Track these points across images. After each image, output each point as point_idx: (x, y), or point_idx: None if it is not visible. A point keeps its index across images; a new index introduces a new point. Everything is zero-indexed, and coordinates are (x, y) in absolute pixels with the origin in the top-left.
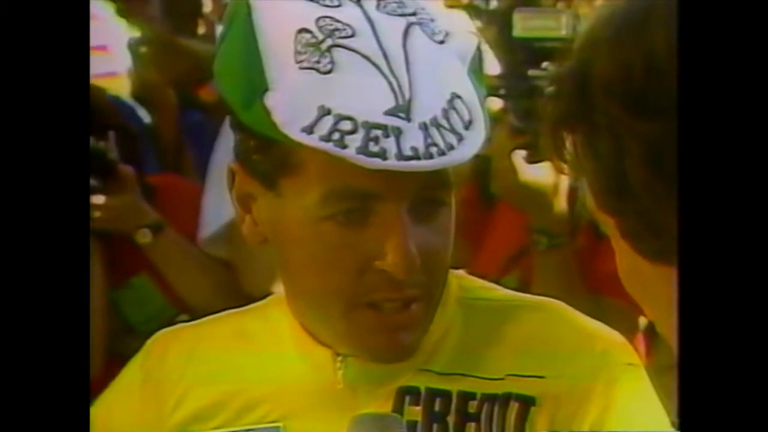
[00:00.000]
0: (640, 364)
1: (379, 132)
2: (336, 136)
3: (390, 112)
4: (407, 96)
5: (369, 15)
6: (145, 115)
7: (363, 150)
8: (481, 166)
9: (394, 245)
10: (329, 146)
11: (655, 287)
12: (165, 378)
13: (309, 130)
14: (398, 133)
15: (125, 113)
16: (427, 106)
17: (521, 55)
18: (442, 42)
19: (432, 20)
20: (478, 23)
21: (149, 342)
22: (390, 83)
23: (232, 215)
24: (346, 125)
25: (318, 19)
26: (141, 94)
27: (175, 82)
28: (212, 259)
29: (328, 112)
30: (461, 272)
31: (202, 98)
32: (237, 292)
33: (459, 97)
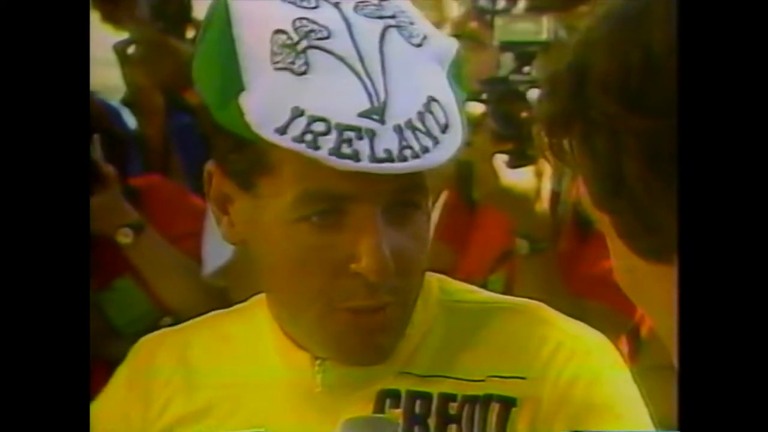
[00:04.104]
0: (623, 365)
1: (352, 134)
2: (309, 137)
3: (364, 114)
4: (382, 98)
5: (346, 17)
6: (131, 119)
7: (335, 152)
8: (463, 171)
9: (368, 248)
10: (302, 147)
11: (650, 285)
12: (152, 383)
13: (282, 130)
14: (372, 135)
15: (111, 116)
16: (403, 108)
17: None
18: (419, 45)
19: (411, 23)
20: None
21: (135, 347)
22: (365, 85)
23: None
24: (320, 126)
25: (294, 20)
26: (128, 97)
27: (163, 84)
28: (194, 262)
29: (302, 114)
30: (442, 276)
31: (189, 101)
32: (218, 294)
33: (436, 100)
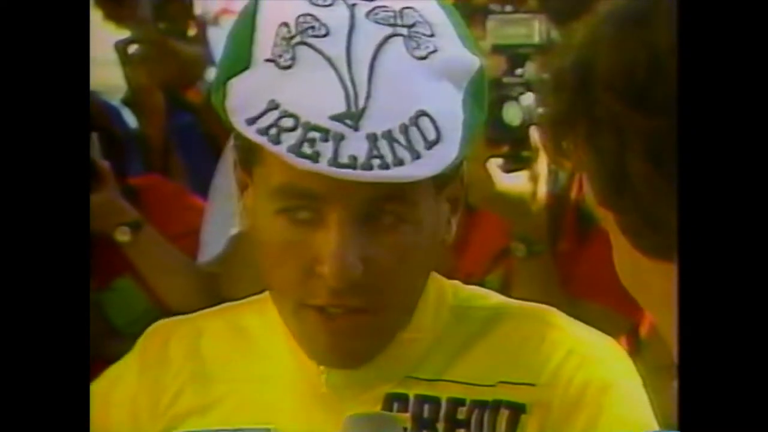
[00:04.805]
0: (634, 371)
1: (317, 134)
2: (273, 131)
3: (336, 118)
4: (361, 105)
5: (354, 19)
6: (131, 118)
7: (295, 149)
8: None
9: (331, 252)
10: (263, 140)
11: (653, 283)
12: (164, 371)
13: (252, 121)
14: (339, 139)
15: (111, 115)
16: (383, 118)
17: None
18: (423, 58)
19: (431, 35)
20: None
21: (148, 332)
22: (345, 88)
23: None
24: (288, 122)
25: (299, 15)
26: (129, 96)
27: (164, 83)
28: (193, 260)
29: (276, 107)
30: (457, 282)
31: (191, 100)
32: (217, 293)
33: (427, 114)
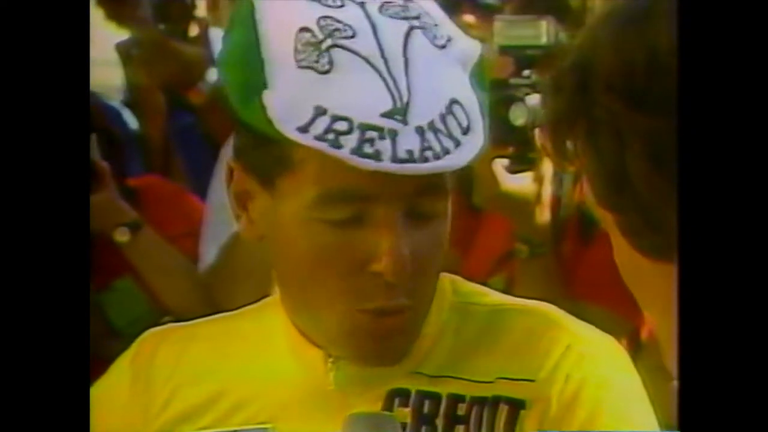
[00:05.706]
0: (632, 368)
1: (374, 133)
2: (331, 136)
3: (387, 114)
4: (405, 99)
5: (371, 17)
6: (131, 119)
7: (357, 151)
8: (465, 176)
9: (388, 247)
10: (324, 146)
11: (653, 284)
12: (154, 377)
13: (304, 129)
14: (394, 135)
15: (111, 116)
16: (425, 110)
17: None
18: (443, 47)
19: (435, 25)
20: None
21: (139, 340)
22: (388, 85)
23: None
24: (342, 125)
25: (319, 18)
26: (129, 97)
27: (165, 84)
28: (192, 261)
29: (324, 112)
30: (455, 276)
31: (192, 101)
32: (216, 295)
33: (458, 102)
